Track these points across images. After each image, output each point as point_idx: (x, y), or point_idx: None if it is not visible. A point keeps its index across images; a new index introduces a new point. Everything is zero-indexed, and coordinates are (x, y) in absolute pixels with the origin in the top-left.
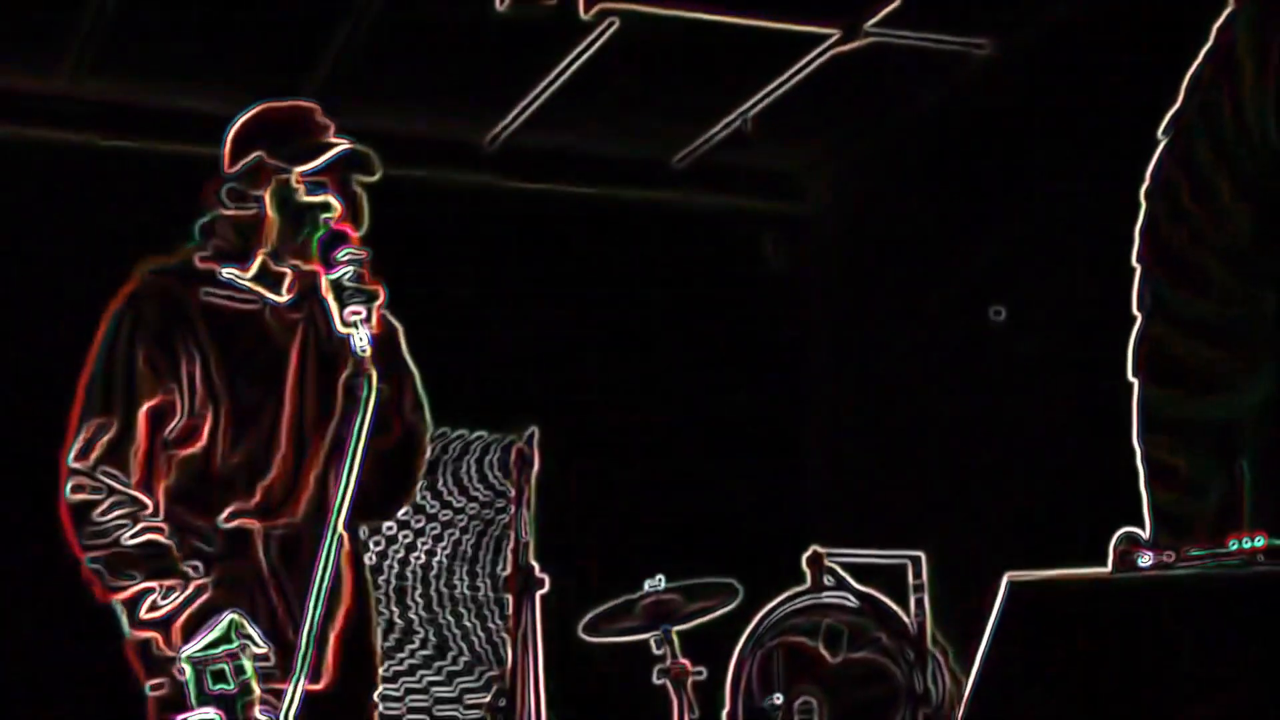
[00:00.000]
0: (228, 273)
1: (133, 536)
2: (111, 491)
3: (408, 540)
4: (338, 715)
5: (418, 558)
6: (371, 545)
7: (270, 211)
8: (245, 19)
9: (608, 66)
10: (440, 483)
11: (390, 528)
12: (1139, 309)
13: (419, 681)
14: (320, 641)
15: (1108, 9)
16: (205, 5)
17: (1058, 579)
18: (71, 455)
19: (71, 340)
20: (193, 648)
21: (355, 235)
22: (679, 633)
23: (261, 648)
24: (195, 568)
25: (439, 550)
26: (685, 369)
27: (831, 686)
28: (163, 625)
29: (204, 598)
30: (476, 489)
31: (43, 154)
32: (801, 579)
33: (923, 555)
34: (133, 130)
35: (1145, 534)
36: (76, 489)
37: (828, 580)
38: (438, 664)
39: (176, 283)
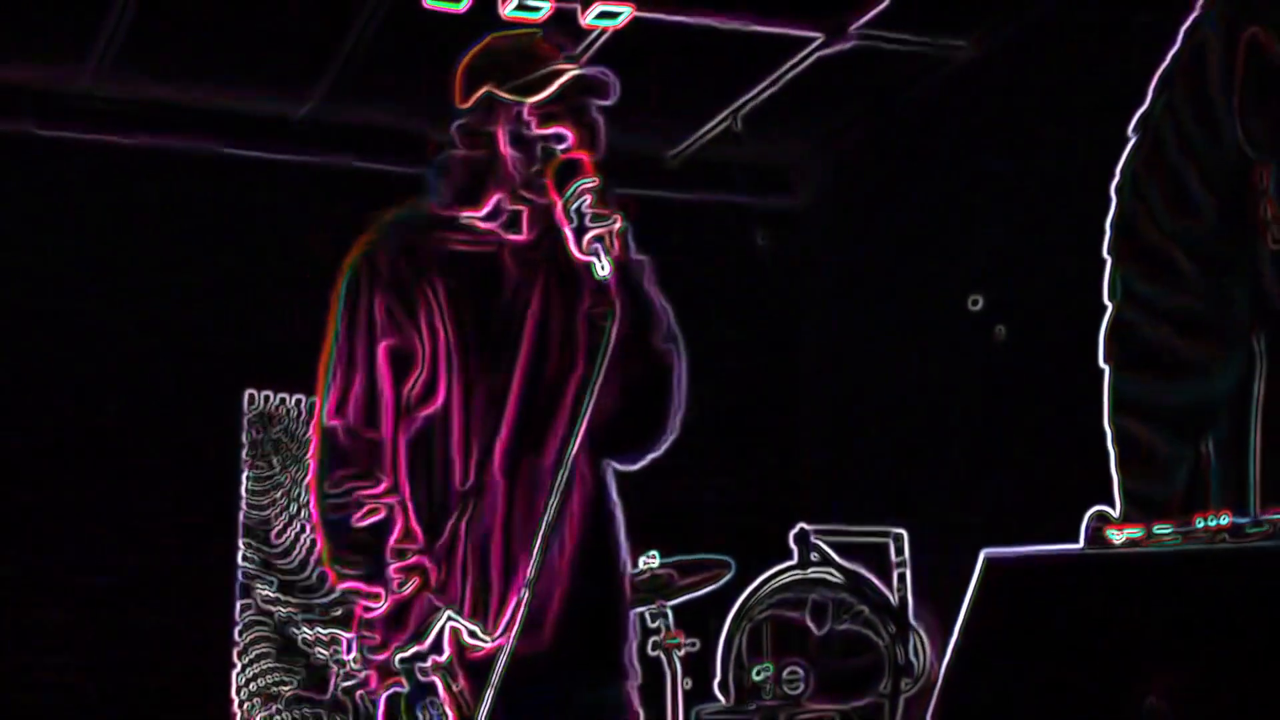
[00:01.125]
0: (465, 216)
1: (361, 518)
2: (345, 459)
3: None
4: (556, 676)
5: None
6: None
7: (503, 147)
8: (261, 19)
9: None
10: None
11: None
12: (1110, 298)
13: None
14: (542, 593)
15: (1079, 13)
16: (224, 6)
17: (1032, 555)
18: (324, 415)
19: (92, 337)
20: (405, 653)
21: (590, 162)
22: (673, 606)
23: (485, 641)
24: (410, 568)
25: None
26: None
27: (817, 657)
28: (368, 625)
29: (417, 604)
30: None
31: (66, 151)
32: (789, 555)
33: (904, 533)
34: (154, 127)
35: (1116, 513)
36: (320, 449)
37: (814, 556)
38: None
39: (411, 230)
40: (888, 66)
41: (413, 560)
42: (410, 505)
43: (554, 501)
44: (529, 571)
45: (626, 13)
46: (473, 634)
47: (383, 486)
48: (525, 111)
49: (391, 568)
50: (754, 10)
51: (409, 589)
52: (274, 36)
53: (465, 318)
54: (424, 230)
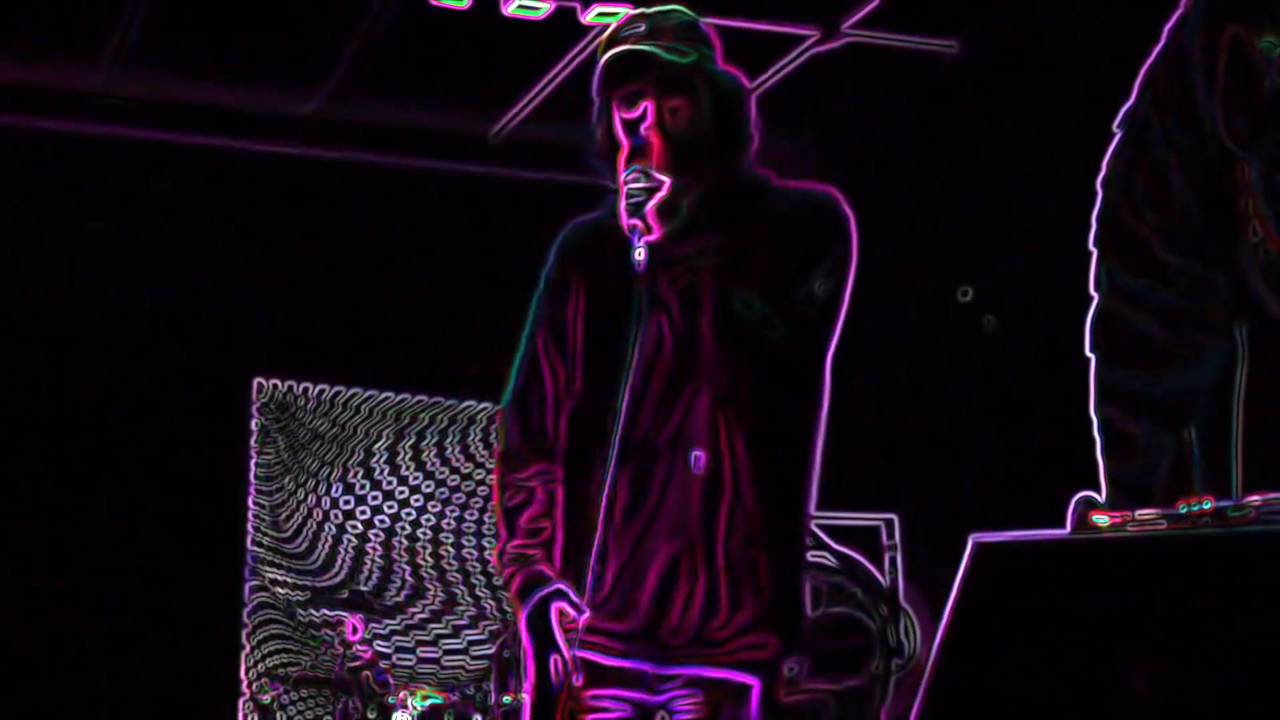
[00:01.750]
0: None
1: (509, 500)
2: (507, 446)
3: (419, 504)
4: (645, 654)
5: (428, 519)
6: (386, 509)
7: (619, 136)
8: (270, 18)
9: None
10: (448, 451)
11: (403, 492)
12: (1095, 290)
13: (429, 634)
14: (635, 573)
15: (1066, 12)
16: (234, 6)
17: (1019, 539)
18: (504, 402)
19: (104, 327)
20: (523, 614)
21: (656, 144)
22: None
23: (580, 613)
24: (533, 545)
25: (448, 513)
26: None
27: (811, 639)
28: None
29: (522, 575)
30: (483, 456)
31: (79, 146)
32: None
33: (895, 518)
34: (165, 123)
35: (1101, 498)
36: (498, 437)
37: (807, 541)
38: (446, 618)
39: (581, 226)
40: (880, 64)
41: (541, 538)
42: (561, 487)
43: (608, 484)
44: (594, 549)
45: (625, 12)
46: (575, 606)
47: (530, 470)
48: (614, 100)
49: (511, 543)
50: (749, 8)
51: (515, 563)
52: (283, 35)
53: (597, 308)
54: (594, 225)
